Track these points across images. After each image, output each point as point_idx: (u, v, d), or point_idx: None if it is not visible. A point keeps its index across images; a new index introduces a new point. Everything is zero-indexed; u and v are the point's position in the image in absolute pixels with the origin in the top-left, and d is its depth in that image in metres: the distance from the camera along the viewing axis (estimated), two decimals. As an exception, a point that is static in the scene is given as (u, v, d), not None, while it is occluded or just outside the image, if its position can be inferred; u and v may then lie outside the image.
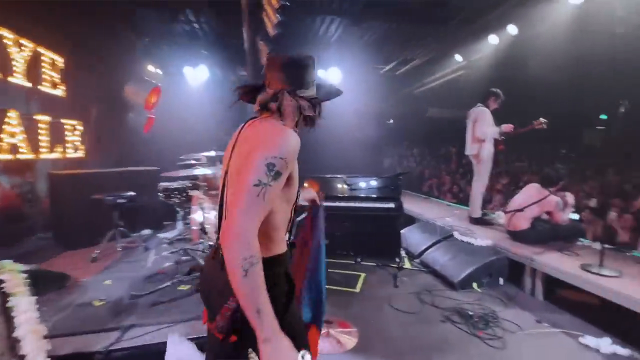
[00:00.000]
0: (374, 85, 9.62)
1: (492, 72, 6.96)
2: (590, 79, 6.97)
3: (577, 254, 3.19)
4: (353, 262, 4.13)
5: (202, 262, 3.29)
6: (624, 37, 4.93)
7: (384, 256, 4.11)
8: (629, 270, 2.78)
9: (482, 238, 3.76)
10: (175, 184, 3.87)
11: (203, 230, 3.39)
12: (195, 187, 3.78)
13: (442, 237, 4.18)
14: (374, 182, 4.10)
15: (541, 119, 3.89)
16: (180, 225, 4.55)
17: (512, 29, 5.89)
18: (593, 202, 4.84)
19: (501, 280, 3.44)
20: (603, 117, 8.76)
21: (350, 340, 2.49)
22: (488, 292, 3.28)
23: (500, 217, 4.38)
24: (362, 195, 4.05)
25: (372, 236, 4.22)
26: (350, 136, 9.34)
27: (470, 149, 4.36)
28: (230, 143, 1.10)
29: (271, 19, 4.71)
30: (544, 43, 5.68)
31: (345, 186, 4.16)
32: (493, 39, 6.33)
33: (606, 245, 3.24)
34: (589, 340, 2.40)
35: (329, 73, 8.43)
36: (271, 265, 0.93)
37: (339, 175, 4.22)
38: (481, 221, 4.45)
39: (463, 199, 6.47)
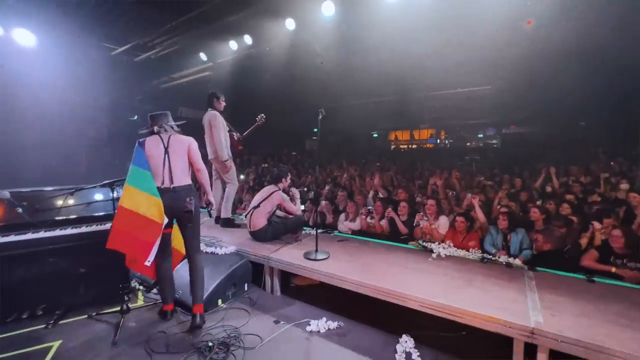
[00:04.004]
0: (104, 69, 7.46)
1: (234, 78, 7.22)
2: (304, 94, 8.97)
3: (300, 241, 3.61)
4: (44, 326, 2.64)
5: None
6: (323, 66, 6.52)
7: (106, 298, 2.94)
8: (332, 249, 3.40)
9: (226, 245, 3.51)
10: None
11: None
12: None
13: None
14: (81, 196, 2.79)
15: (261, 115, 4.34)
16: None
17: (247, 39, 6.27)
18: (311, 194, 6.01)
19: (246, 286, 3.33)
20: (315, 130, 11.77)
21: None
22: (232, 305, 3.03)
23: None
24: (61, 218, 2.64)
25: (85, 275, 2.90)
26: (74, 135, 6.76)
27: (210, 154, 4.09)
28: None
29: None
30: (271, 59, 6.52)
31: (16, 209, 2.56)
32: (233, 45, 6.50)
33: (319, 230, 3.96)
34: (313, 325, 2.64)
35: (13, 34, 5.51)
36: None
37: (24, 190, 2.54)
38: (229, 222, 4.29)
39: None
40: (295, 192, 4.01)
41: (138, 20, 6.10)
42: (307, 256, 3.16)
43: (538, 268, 2.86)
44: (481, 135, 19.90)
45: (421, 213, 4.51)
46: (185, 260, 2.77)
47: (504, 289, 2.47)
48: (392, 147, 20.85)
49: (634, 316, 2.08)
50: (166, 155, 2.54)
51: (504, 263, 2.96)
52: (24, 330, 2.57)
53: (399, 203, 4.70)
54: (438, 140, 21.51)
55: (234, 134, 4.34)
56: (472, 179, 7.05)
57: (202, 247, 3.54)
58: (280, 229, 3.70)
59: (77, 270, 2.88)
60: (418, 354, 2.30)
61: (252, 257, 3.38)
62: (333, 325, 2.66)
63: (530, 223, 3.80)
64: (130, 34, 6.78)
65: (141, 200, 2.39)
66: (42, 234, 2.59)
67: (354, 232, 4.77)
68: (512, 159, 8.69)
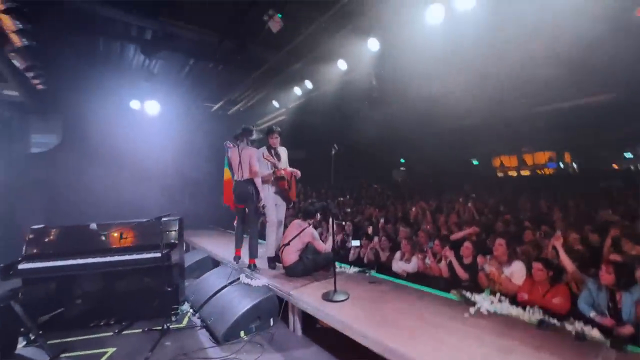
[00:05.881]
0: (205, 123, 9.33)
1: (299, 119, 7.87)
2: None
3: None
4: (111, 333, 3.27)
5: None
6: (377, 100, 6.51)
7: (159, 316, 3.45)
8: (357, 291, 3.13)
9: (259, 278, 3.67)
10: None
11: None
12: None
13: (228, 283, 3.89)
14: (134, 228, 3.49)
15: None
16: None
17: (308, 84, 6.85)
18: (370, 230, 5.73)
19: (272, 321, 3.36)
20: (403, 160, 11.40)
21: None
22: (253, 338, 3.10)
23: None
24: (118, 246, 3.36)
25: (141, 294, 3.52)
26: (177, 176, 8.56)
27: None
28: None
29: (6, 24, 3.69)
30: (325, 100, 6.91)
31: (100, 236, 3.38)
32: (297, 91, 7.20)
33: (355, 269, 3.74)
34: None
35: (146, 105, 7.56)
36: None
37: (88, 224, 3.41)
38: (274, 260, 4.45)
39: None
40: (331, 229, 3.93)
41: (226, 81, 7.50)
42: (325, 297, 3.01)
43: (632, 347, 1.94)
44: (630, 155, 15.51)
45: (488, 256, 3.74)
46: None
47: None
48: (499, 174, 18.18)
49: None
50: (239, 159, 4.02)
51: (573, 332, 2.13)
52: (96, 335, 3.24)
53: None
54: (561, 164, 17.71)
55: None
56: (595, 213, 5.41)
57: (242, 278, 3.81)
58: (310, 266, 3.66)
59: (145, 288, 3.53)
60: None
61: (278, 292, 3.42)
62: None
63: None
64: (222, 93, 8.34)
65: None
66: (115, 257, 3.32)
67: (408, 275, 4.28)
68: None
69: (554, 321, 2.25)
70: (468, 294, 2.78)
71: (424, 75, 6.79)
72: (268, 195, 4.14)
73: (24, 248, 3.43)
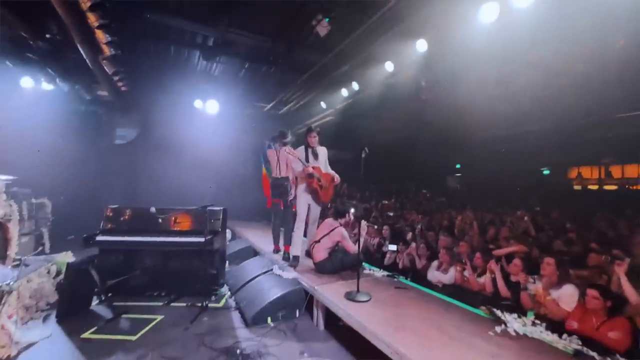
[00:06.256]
0: (258, 122, 9.98)
1: (346, 121, 7.93)
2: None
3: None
4: (162, 303, 3.77)
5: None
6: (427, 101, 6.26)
7: (201, 294, 3.88)
8: (382, 295, 3.13)
9: (290, 271, 3.87)
10: None
11: None
12: None
13: (262, 272, 4.17)
14: (186, 214, 3.95)
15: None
16: None
17: (355, 85, 6.89)
18: (409, 236, 5.58)
19: (297, 313, 3.53)
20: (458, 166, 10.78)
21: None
22: (278, 326, 3.30)
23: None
24: (171, 229, 3.84)
25: (187, 272, 3.98)
26: (230, 171, 9.29)
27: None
28: None
29: (99, 37, 4.46)
30: (371, 102, 6.86)
31: (157, 218, 3.91)
32: (344, 92, 7.29)
33: (384, 273, 3.72)
34: (328, 366, 2.54)
35: (207, 105, 8.38)
36: None
37: (149, 208, 3.94)
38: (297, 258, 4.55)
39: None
40: (363, 230, 3.97)
41: (278, 82, 7.95)
42: (347, 296, 3.07)
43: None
44: None
45: (535, 276, 3.43)
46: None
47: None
48: (576, 187, 16.00)
49: None
50: (277, 158, 4.47)
51: (614, 370, 1.88)
52: (149, 303, 3.77)
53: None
54: (658, 179, 14.99)
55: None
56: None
57: (275, 269, 4.05)
58: (338, 265, 3.75)
59: (191, 268, 3.99)
60: None
61: (305, 286, 3.58)
62: (347, 374, 2.46)
63: None
64: (274, 94, 8.83)
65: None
66: (168, 238, 3.81)
67: (444, 287, 4.11)
68: None
69: (594, 354, 2.01)
70: (498, 312, 2.60)
71: (479, 77, 6.34)
72: (300, 194, 4.19)
73: (101, 223, 4.14)
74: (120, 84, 6.27)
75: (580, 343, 2.16)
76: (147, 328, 3.21)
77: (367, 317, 2.62)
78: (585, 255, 4.10)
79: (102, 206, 4.34)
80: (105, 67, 5.42)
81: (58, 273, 3.95)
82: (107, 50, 4.66)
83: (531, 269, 3.57)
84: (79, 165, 7.41)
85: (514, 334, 2.34)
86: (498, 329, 2.39)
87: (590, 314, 2.78)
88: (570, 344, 2.16)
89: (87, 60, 5.03)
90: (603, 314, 2.72)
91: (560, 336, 2.24)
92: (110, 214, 4.23)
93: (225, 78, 7.81)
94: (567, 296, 3.06)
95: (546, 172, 16.90)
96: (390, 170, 12.17)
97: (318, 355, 2.77)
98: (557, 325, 2.67)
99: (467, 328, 2.45)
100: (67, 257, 4.29)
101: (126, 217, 4.23)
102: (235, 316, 3.56)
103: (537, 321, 2.44)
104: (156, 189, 7.70)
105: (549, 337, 2.26)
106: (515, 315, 2.53)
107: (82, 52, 4.72)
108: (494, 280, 3.64)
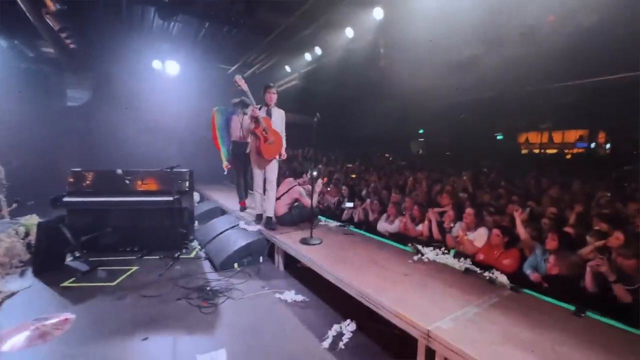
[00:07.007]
0: (221, 85, 9.79)
1: (310, 85, 8.11)
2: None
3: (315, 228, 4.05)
4: (135, 257, 4.12)
5: None
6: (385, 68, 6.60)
7: (172, 248, 4.25)
8: (332, 240, 3.72)
9: (255, 225, 4.33)
10: None
11: None
12: None
13: (229, 227, 4.60)
14: (152, 176, 4.18)
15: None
16: None
17: (318, 50, 7.02)
18: (364, 193, 6.22)
19: (261, 259, 4.06)
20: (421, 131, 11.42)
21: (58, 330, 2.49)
22: (244, 270, 3.82)
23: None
24: (139, 189, 4.08)
25: (158, 230, 4.30)
26: (193, 134, 9.23)
27: None
28: None
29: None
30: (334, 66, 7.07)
31: (124, 180, 4.11)
32: (308, 57, 7.40)
33: (337, 223, 4.30)
34: (284, 295, 3.13)
35: (166, 66, 8.09)
36: None
37: (115, 170, 4.12)
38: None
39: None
40: (309, 188, 4.44)
41: (240, 45, 7.80)
42: (302, 240, 3.62)
43: (525, 290, 2.41)
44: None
45: (462, 222, 4.16)
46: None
47: (452, 298, 2.28)
48: (524, 151, 17.54)
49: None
50: (241, 125, 4.64)
51: (487, 278, 2.61)
52: (123, 257, 4.10)
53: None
54: (593, 144, 16.84)
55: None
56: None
57: (241, 224, 4.48)
58: (297, 217, 4.26)
59: (161, 225, 4.30)
60: (349, 336, 2.46)
61: (267, 236, 4.08)
62: (299, 298, 3.07)
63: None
64: (238, 56, 8.66)
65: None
66: (137, 198, 4.06)
67: (390, 235, 4.80)
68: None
69: (476, 269, 2.73)
70: (420, 247, 3.28)
71: (435, 44, 6.69)
72: (252, 155, 4.11)
73: (67, 186, 4.25)
74: (68, 41, 5.89)
75: (470, 264, 2.87)
76: (124, 276, 3.59)
77: (316, 255, 3.18)
78: (507, 206, 4.98)
79: (61, 171, 4.40)
80: (49, 23, 5.08)
81: (27, 234, 4.11)
82: (52, 5, 4.40)
83: (461, 218, 4.34)
84: (30, 129, 7.05)
85: (426, 260, 3.03)
86: (416, 258, 3.07)
87: (494, 247, 3.58)
88: (463, 265, 2.88)
89: (29, 15, 4.70)
90: (502, 248, 3.52)
91: (458, 260, 2.96)
92: (76, 177, 4.32)
93: (185, 38, 7.54)
94: (479, 236, 3.83)
95: (500, 137, 18.30)
96: (354, 136, 12.64)
97: (276, 288, 3.33)
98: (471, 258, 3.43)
99: (394, 259, 3.10)
100: (32, 219, 4.40)
101: (92, 179, 4.35)
102: (206, 264, 4.02)
103: (446, 251, 3.13)
104: (118, 152, 7.56)
105: (450, 261, 2.97)
106: (432, 247, 3.22)
107: (22, 6, 4.40)
108: (430, 228, 4.36)
